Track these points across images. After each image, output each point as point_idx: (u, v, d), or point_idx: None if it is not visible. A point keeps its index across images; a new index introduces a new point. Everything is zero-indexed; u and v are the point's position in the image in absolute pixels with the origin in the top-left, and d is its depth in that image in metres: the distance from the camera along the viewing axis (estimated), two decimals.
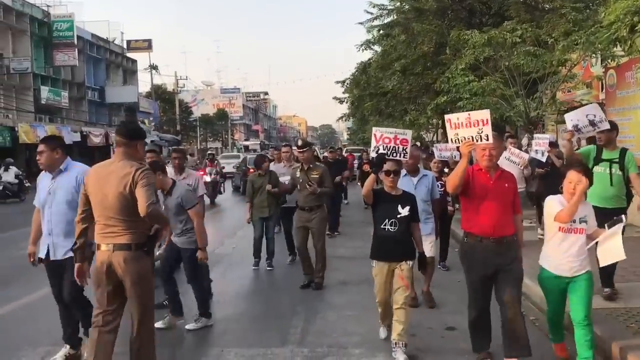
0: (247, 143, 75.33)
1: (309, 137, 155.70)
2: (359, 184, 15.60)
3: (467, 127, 4.44)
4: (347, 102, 21.62)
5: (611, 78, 10.96)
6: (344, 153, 21.51)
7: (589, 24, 9.99)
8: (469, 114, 4.50)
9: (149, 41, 51.70)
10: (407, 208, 4.88)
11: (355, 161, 21.89)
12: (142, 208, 3.80)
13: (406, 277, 4.86)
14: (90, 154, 32.86)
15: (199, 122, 65.17)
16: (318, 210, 7.31)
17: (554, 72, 11.51)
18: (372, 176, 4.82)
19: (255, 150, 60.59)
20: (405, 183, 5.95)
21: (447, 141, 18.74)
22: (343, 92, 22.19)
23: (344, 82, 20.45)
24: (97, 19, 68.55)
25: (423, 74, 15.58)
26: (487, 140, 4.39)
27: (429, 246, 6.18)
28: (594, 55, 11.18)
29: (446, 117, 4.66)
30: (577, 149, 6.98)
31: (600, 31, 8.33)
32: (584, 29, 10.06)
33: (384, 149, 5.48)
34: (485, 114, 4.45)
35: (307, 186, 7.20)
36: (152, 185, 3.93)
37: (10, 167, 21.15)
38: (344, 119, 24.70)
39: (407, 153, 5.60)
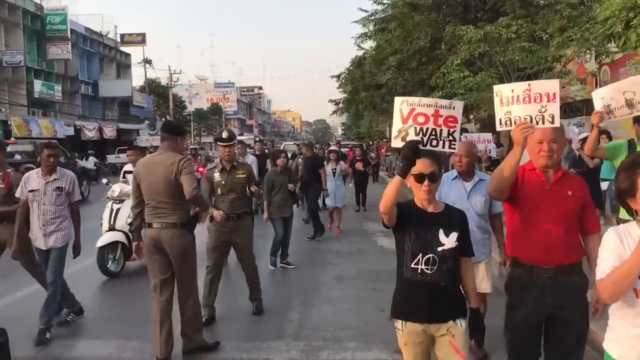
0: (241, 138, 75.08)
1: (303, 132, 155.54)
2: (351, 184, 14.91)
3: (525, 103, 3.13)
4: (342, 103, 21.63)
5: (605, 74, 11.03)
6: (339, 149, 21.52)
7: (584, 20, 10.02)
8: (529, 84, 3.18)
9: (143, 35, 51.45)
10: (454, 235, 3.00)
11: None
12: (187, 191, 4.53)
13: (461, 347, 3.03)
14: (84, 148, 32.77)
15: (193, 116, 64.94)
16: (245, 219, 6.05)
17: (549, 68, 11.54)
18: (396, 181, 2.84)
19: (250, 146, 60.40)
20: (454, 191, 4.49)
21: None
22: (338, 87, 22.20)
23: (339, 76, 20.42)
24: (91, 12, 68.11)
25: (418, 69, 15.54)
26: (552, 123, 3.08)
27: (486, 281, 4.62)
28: (588, 51, 11.21)
29: (495, 88, 3.34)
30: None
31: (595, 27, 8.36)
32: (579, 25, 10.09)
33: (416, 134, 3.22)
34: (553, 85, 3.15)
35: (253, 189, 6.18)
36: (193, 173, 4.66)
37: (90, 157, 27.77)
38: (338, 113, 24.67)
39: (455, 141, 3.28)
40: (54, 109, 37.68)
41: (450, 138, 3.22)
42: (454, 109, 3.26)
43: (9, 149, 12.85)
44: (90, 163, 26.17)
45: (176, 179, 4.56)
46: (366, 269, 8.07)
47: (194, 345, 4.86)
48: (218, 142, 5.98)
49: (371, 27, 17.82)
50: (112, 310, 6.39)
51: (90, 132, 37.04)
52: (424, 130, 3.20)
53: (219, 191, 5.91)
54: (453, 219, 3.07)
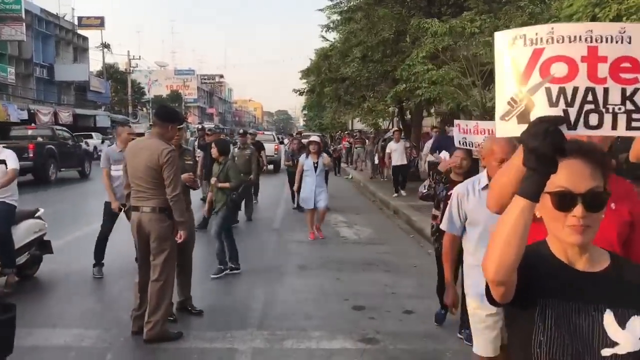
0: (201, 126, 74.14)
1: (264, 122, 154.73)
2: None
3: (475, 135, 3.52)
4: (306, 94, 21.46)
5: None
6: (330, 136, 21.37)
7: (545, 17, 10.23)
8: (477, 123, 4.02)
9: (102, 19, 50.22)
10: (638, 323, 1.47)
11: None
12: (168, 193, 4.59)
13: None
14: None
15: (152, 103, 63.73)
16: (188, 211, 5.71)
17: None
18: (519, 207, 1.37)
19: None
20: (484, 208, 2.22)
21: (407, 129, 18.49)
22: (300, 78, 22.06)
23: (307, 71, 20.22)
24: None
25: (382, 61, 15.62)
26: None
27: None
28: None
29: (455, 122, 4.67)
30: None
31: (560, 22, 8.53)
32: (540, 22, 10.30)
33: (553, 103, 1.50)
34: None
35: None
36: (175, 169, 4.60)
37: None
38: (306, 109, 24.58)
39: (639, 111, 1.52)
40: (6, 91, 36.35)
41: (631, 107, 1.52)
42: (628, 40, 1.51)
43: None
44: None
45: (156, 167, 4.56)
46: (329, 258, 8.09)
47: (156, 334, 4.76)
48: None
49: (335, 17, 17.80)
50: (71, 298, 6.22)
51: (45, 116, 35.79)
52: (569, 94, 1.51)
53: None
54: (632, 285, 1.53)
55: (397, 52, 15.39)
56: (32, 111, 34.33)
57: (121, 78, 55.80)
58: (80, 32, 50.15)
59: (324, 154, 10.08)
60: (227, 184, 6.88)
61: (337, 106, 20.95)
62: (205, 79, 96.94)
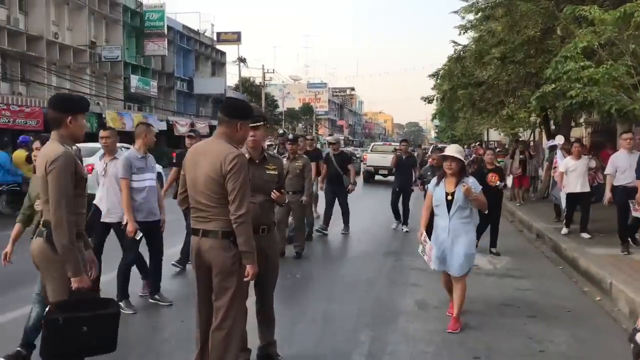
0: (330, 138, 74.61)
1: (394, 134, 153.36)
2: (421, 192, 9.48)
3: None
4: (437, 101, 19.65)
5: None
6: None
7: None
8: None
9: (238, 34, 51.96)
10: None
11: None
12: (231, 214, 3.45)
13: None
14: (177, 143, 33.12)
15: (284, 116, 65.08)
16: (273, 232, 4.48)
17: None
18: None
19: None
20: None
21: (552, 139, 15.79)
22: (432, 88, 20.39)
23: (436, 74, 18.47)
24: (189, 10, 69.81)
25: (525, 62, 13.70)
26: None
27: None
28: None
29: None
30: None
31: None
32: None
33: None
34: None
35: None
36: (244, 184, 3.45)
37: None
38: (437, 117, 22.72)
39: None
40: (149, 104, 38.59)
41: None
42: None
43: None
44: None
45: (219, 178, 3.45)
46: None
47: None
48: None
49: (471, 16, 16.12)
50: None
51: (182, 127, 37.48)
52: None
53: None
54: None
55: (543, 51, 13.41)
56: (170, 122, 36.06)
57: (256, 91, 57.45)
58: (219, 47, 52.31)
59: (470, 180, 5.39)
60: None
61: (471, 114, 19.02)
62: (336, 92, 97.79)
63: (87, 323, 3.12)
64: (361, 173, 24.94)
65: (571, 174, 9.96)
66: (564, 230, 9.93)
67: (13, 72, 27.28)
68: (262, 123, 4.16)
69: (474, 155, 22.48)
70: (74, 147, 3.28)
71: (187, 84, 45.11)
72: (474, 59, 15.62)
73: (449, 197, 5.28)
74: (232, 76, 58.44)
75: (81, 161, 3.35)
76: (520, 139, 21.34)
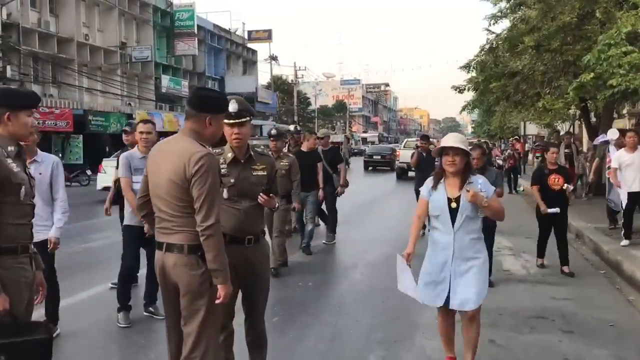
0: (365, 135, 74.03)
1: (431, 130, 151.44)
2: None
3: None
4: (468, 90, 18.77)
5: None
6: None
7: None
8: None
9: (269, 31, 51.80)
10: None
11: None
12: (197, 225, 2.90)
13: None
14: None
15: (317, 113, 64.73)
16: (264, 243, 3.84)
17: None
18: None
19: (373, 143, 59.29)
20: None
21: (592, 133, 14.53)
22: (464, 80, 19.53)
23: (468, 66, 17.61)
24: (220, 9, 69.96)
25: (562, 50, 12.86)
26: None
27: None
28: None
29: None
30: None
31: None
32: None
33: None
34: None
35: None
36: (211, 190, 2.89)
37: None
38: (467, 110, 21.70)
39: None
40: (180, 103, 38.65)
41: None
42: None
43: None
44: None
45: (184, 183, 2.90)
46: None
47: None
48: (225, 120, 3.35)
49: (503, 4, 15.28)
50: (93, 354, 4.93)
51: None
52: None
53: (225, 194, 3.52)
54: None
55: (581, 38, 12.57)
56: None
57: (288, 89, 57.25)
58: (250, 45, 52.24)
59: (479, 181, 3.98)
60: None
61: (506, 107, 18.11)
62: (370, 88, 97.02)
63: (4, 351, 2.59)
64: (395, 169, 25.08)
65: (626, 169, 8.42)
66: (624, 242, 8.22)
67: (44, 74, 27.57)
68: (247, 119, 3.56)
69: (509, 151, 21.54)
70: (10, 148, 2.79)
71: (219, 83, 45.11)
72: (507, 48, 14.80)
73: (453, 205, 3.89)
74: (263, 74, 58.27)
75: (24, 164, 2.88)
76: (567, 131, 20.21)
